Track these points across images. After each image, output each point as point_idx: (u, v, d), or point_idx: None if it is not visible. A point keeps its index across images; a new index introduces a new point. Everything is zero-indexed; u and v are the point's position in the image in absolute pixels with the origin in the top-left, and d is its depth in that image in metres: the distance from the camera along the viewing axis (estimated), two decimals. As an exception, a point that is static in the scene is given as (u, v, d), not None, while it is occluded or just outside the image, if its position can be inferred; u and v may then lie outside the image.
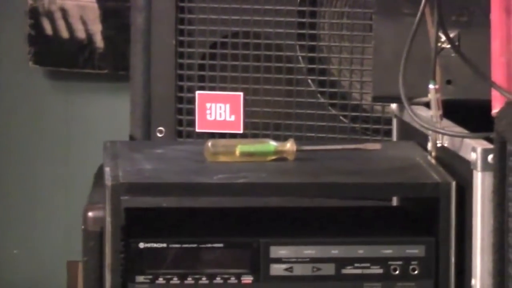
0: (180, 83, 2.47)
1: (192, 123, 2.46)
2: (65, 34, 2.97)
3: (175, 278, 1.95)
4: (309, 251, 1.96)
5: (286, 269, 1.95)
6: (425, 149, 2.10)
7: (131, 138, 2.49)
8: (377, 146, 2.13)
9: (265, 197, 2.04)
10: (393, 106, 2.26)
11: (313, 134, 2.38)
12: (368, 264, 1.96)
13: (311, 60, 2.43)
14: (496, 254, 1.68)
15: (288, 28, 2.43)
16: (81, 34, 2.97)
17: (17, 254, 3.01)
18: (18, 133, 3.02)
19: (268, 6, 2.43)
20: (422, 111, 2.12)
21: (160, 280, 1.94)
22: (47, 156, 3.00)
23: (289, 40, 2.43)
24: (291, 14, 2.42)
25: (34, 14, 2.97)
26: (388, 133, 2.33)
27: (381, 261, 1.96)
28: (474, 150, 1.87)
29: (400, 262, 1.96)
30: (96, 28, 2.96)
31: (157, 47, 2.49)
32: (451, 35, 2.04)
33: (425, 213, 2.00)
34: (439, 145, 2.06)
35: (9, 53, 3.00)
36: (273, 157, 2.10)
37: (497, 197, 1.67)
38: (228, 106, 2.45)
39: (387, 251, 1.96)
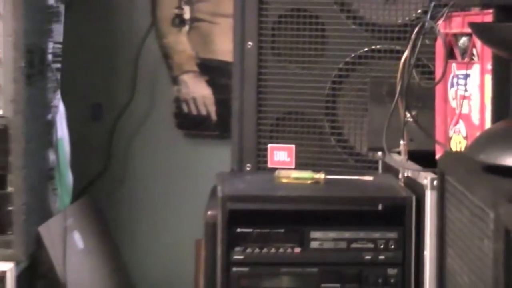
0: (259, 140, 2.44)
1: (266, 162, 2.42)
2: (194, 112, 2.96)
3: (257, 249, 1.94)
4: (332, 234, 1.95)
5: (319, 244, 1.95)
6: (398, 178, 2.08)
7: (232, 170, 2.46)
8: (370, 178, 2.12)
9: (306, 203, 2.04)
10: (379, 153, 2.23)
11: (333, 169, 2.33)
12: (365, 242, 1.95)
13: (333, 127, 2.40)
14: (438, 237, 1.67)
15: (320, 109, 2.40)
16: (203, 112, 2.96)
17: (171, 237, 2.99)
18: (166, 169, 3.00)
19: (307, 96, 2.40)
20: (396, 156, 2.11)
21: (249, 250, 1.94)
22: (183, 181, 2.98)
23: (320, 116, 2.40)
24: (321, 101, 2.40)
25: (177, 101, 2.97)
26: (376, 168, 2.29)
27: (373, 240, 1.95)
28: (426, 178, 1.88)
29: (383, 241, 1.95)
30: (212, 109, 2.95)
31: (246, 120, 2.45)
32: (413, 113, 2.02)
33: (397, 214, 1.98)
34: (405, 175, 2.05)
35: (164, 123, 2.99)
36: (312, 181, 2.09)
37: (439, 205, 1.66)
38: (286, 152, 2.41)
39: (376, 234, 1.95)
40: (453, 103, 1.95)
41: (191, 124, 2.96)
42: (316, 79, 2.38)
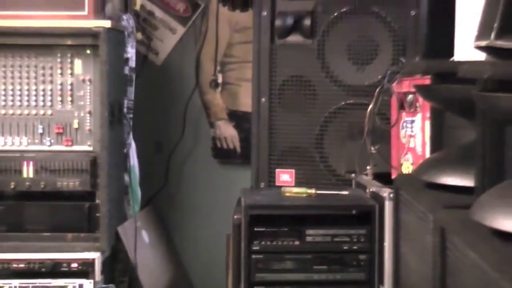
0: (270, 166, 2.41)
1: (274, 181, 2.40)
2: (225, 146, 2.95)
3: (269, 242, 1.93)
4: (321, 231, 1.94)
5: (312, 238, 1.94)
6: (366, 192, 2.06)
7: (251, 187, 2.44)
8: (347, 192, 2.10)
9: (303, 210, 2.02)
10: (353, 175, 2.22)
11: (321, 186, 2.28)
12: (344, 236, 1.94)
13: (321, 157, 2.36)
14: (394, 233, 1.66)
15: (312, 144, 2.37)
16: (231, 147, 2.94)
17: (209, 233, 2.93)
18: (206, 186, 2.96)
19: (304, 135, 2.36)
20: (365, 177, 2.10)
21: (263, 243, 1.93)
22: (218, 194, 2.94)
23: (313, 149, 2.37)
24: (313, 139, 2.36)
25: (213, 139, 2.95)
26: (351, 185, 2.26)
27: (349, 235, 1.94)
28: (385, 192, 1.87)
29: (356, 236, 1.94)
30: (237, 145, 2.92)
31: (261, 152, 2.42)
32: (376, 147, 2.02)
33: (366, 217, 1.96)
34: (371, 190, 2.03)
35: (204, 154, 2.95)
36: (307, 195, 2.08)
37: (395, 211, 1.65)
38: (288, 175, 2.39)
39: (351, 231, 1.94)
40: (404, 140, 1.95)
41: (223, 155, 2.95)
42: (309, 124, 2.37)
